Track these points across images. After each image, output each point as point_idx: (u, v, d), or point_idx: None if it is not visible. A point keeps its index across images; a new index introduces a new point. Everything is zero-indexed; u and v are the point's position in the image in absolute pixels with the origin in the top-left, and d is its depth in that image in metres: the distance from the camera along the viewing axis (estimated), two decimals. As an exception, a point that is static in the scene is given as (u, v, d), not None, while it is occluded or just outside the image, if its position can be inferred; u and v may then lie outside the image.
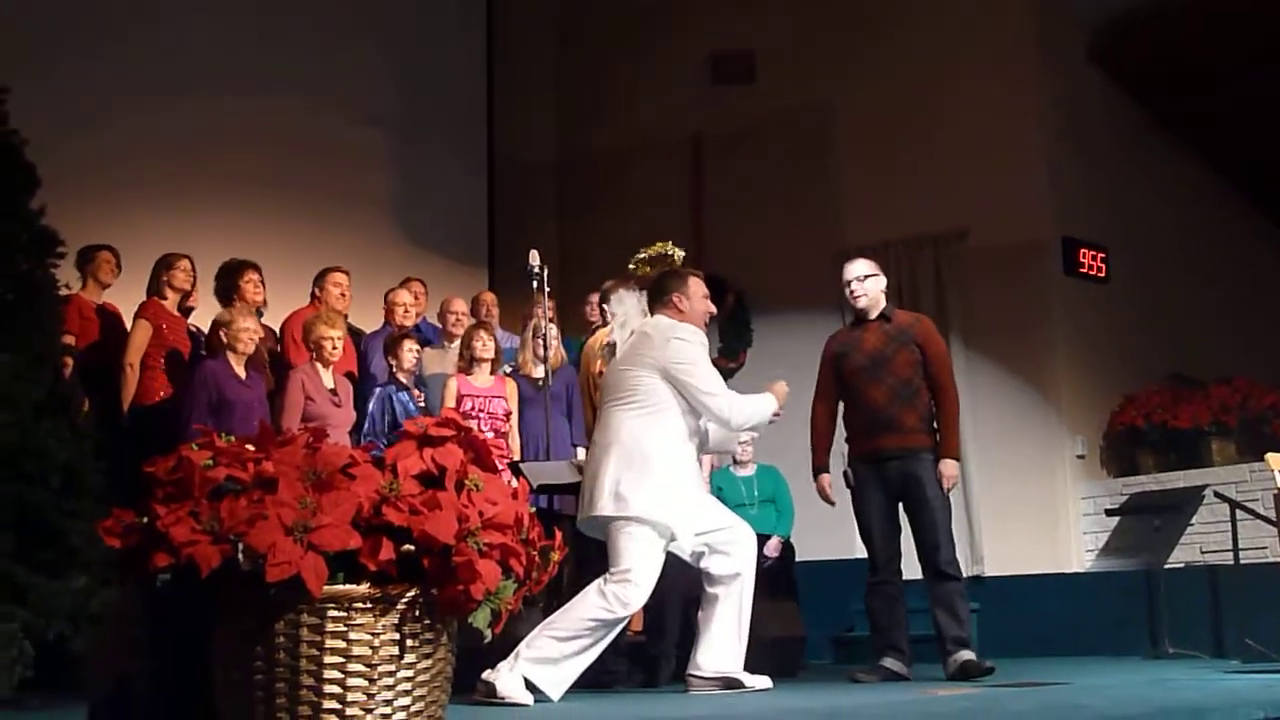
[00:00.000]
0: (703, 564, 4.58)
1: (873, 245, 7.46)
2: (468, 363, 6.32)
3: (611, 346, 4.89)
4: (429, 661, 2.60)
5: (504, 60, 10.32)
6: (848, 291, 5.50)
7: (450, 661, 2.68)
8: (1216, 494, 7.00)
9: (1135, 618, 7.18)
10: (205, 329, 6.36)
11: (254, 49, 8.40)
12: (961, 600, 5.23)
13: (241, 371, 5.86)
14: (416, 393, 6.36)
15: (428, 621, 2.58)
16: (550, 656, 4.18)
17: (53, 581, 4.22)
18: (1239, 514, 6.75)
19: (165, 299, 6.29)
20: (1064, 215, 8.30)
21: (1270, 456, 5.61)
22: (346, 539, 2.48)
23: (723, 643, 4.56)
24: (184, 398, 5.82)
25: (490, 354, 6.34)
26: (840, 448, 5.54)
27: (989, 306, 8.22)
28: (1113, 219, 8.52)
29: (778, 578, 6.69)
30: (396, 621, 2.54)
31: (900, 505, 5.35)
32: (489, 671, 4.11)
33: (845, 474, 5.44)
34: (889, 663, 5.26)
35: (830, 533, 7.45)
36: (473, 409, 6.18)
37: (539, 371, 6.32)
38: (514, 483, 4.82)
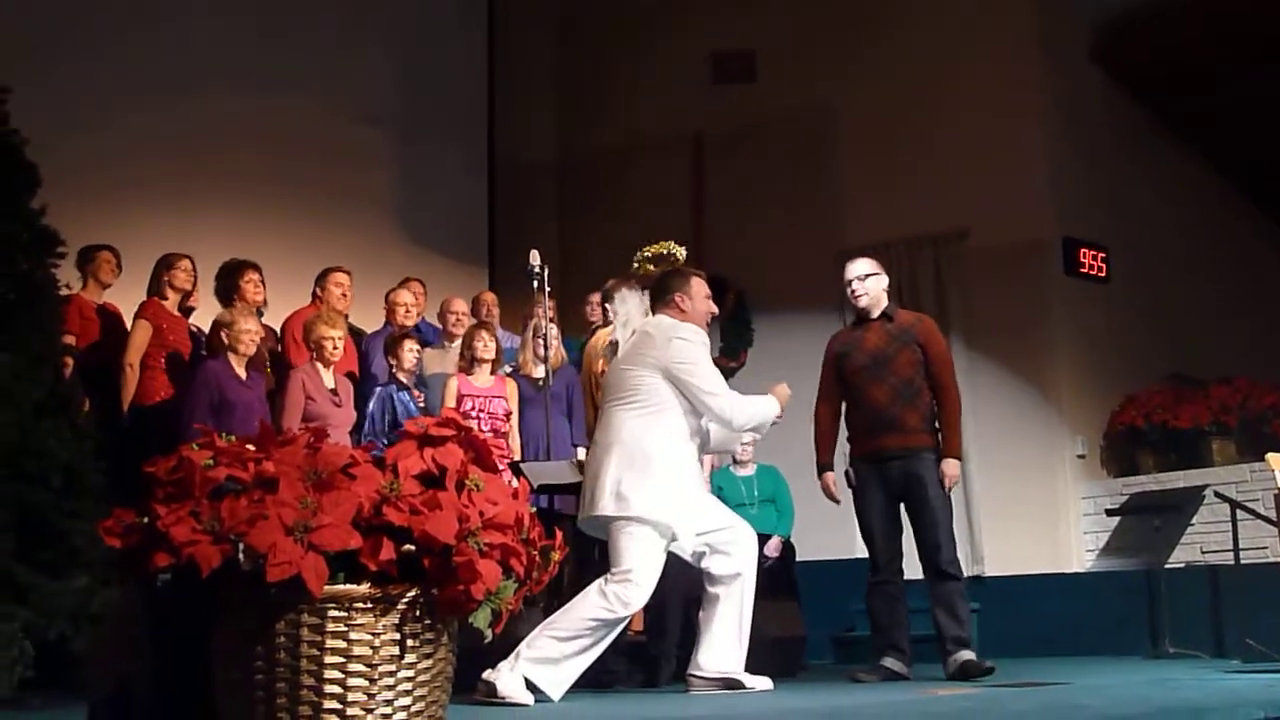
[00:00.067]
0: (703, 564, 4.58)
1: (873, 245, 7.45)
2: (468, 363, 6.32)
3: (614, 345, 4.90)
4: (429, 661, 2.60)
5: (504, 60, 10.32)
6: (849, 291, 5.49)
7: (451, 661, 2.68)
8: (1217, 494, 7.00)
9: (1136, 618, 7.17)
10: (206, 329, 6.36)
11: (254, 49, 8.40)
12: (962, 600, 5.23)
13: (242, 372, 5.86)
14: (417, 393, 6.36)
15: (428, 621, 2.58)
16: (551, 656, 4.18)
17: (53, 581, 4.23)
18: (1239, 514, 6.75)
19: (166, 299, 6.29)
20: (1064, 215, 8.30)
21: (1270, 456, 5.61)
22: (347, 539, 2.48)
23: (723, 643, 4.56)
24: (185, 398, 5.81)
25: (491, 354, 6.33)
26: (842, 447, 5.53)
27: (989, 306, 8.22)
28: (1113, 219, 8.52)
29: (778, 578, 6.69)
30: (397, 621, 2.54)
31: (902, 505, 5.35)
32: (489, 671, 4.11)
33: (846, 473, 5.44)
34: (889, 662, 5.26)
35: (830, 533, 7.46)
36: (473, 409, 6.18)
37: (539, 371, 6.32)
38: (514, 483, 4.82)
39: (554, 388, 6.26)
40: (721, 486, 7.01)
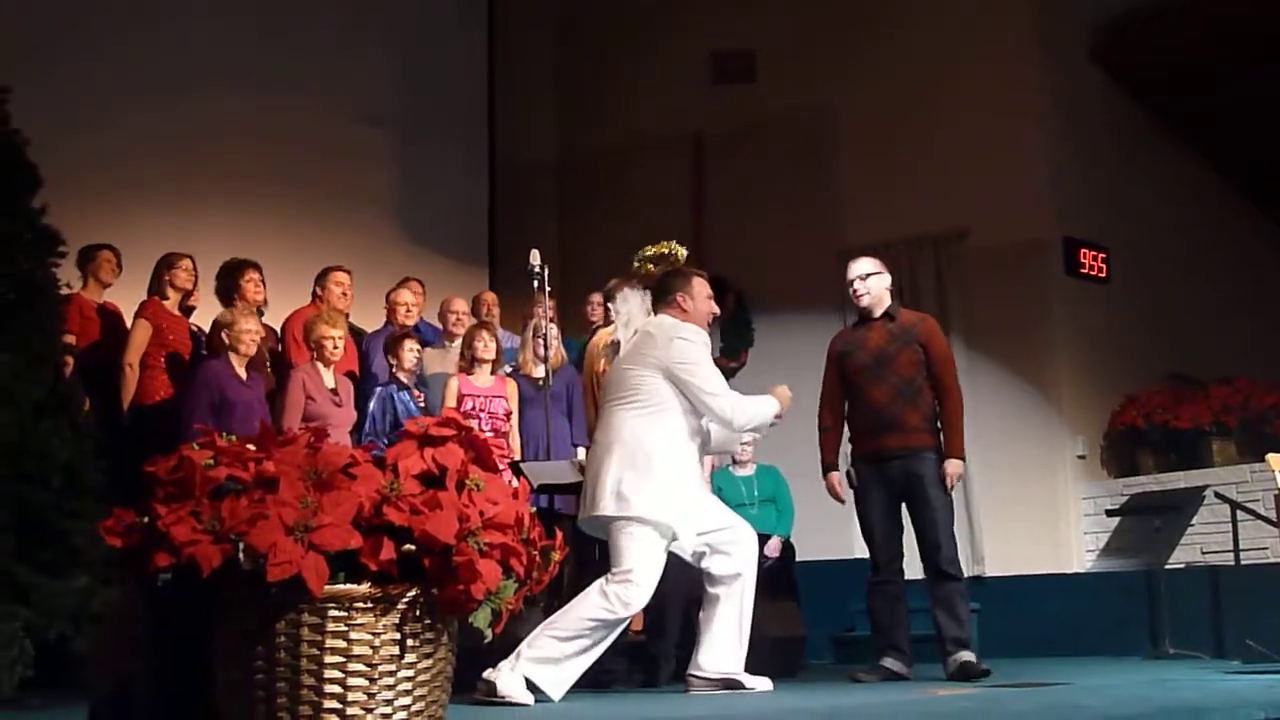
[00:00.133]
0: (704, 564, 4.58)
1: (873, 245, 7.44)
2: (468, 362, 6.32)
3: (615, 345, 4.90)
4: (429, 661, 2.60)
5: (504, 60, 10.32)
6: (851, 290, 5.49)
7: (451, 661, 2.69)
8: (1217, 494, 6.99)
9: (1136, 618, 7.17)
10: (206, 328, 6.36)
11: (254, 49, 8.40)
12: (962, 600, 5.22)
13: (243, 372, 5.86)
14: (417, 393, 6.36)
15: (428, 621, 2.58)
16: (552, 656, 4.18)
17: (54, 581, 4.22)
18: (1239, 514, 6.75)
19: (166, 298, 6.29)
20: (1065, 215, 8.30)
21: (1271, 457, 5.60)
22: (347, 539, 2.48)
23: (723, 643, 4.56)
24: (185, 397, 5.81)
25: (491, 354, 6.34)
26: (845, 447, 5.53)
27: (990, 306, 8.22)
28: (1114, 219, 8.52)
29: (778, 578, 6.69)
30: (397, 621, 2.54)
31: (903, 505, 5.35)
32: (490, 671, 4.11)
33: (848, 473, 5.44)
34: (889, 663, 5.26)
35: (830, 533, 7.46)
36: (473, 409, 6.18)
37: (539, 371, 6.32)
38: (515, 482, 4.82)
39: (554, 387, 6.26)
40: (721, 486, 7.00)
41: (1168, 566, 7.24)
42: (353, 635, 2.51)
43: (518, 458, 6.18)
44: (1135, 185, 8.75)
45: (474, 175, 10.01)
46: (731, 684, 4.53)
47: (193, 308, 6.59)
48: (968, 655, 5.13)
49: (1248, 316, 9.17)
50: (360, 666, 2.51)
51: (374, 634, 2.52)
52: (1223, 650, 6.67)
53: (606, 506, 4.37)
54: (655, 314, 4.76)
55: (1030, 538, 7.92)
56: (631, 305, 4.99)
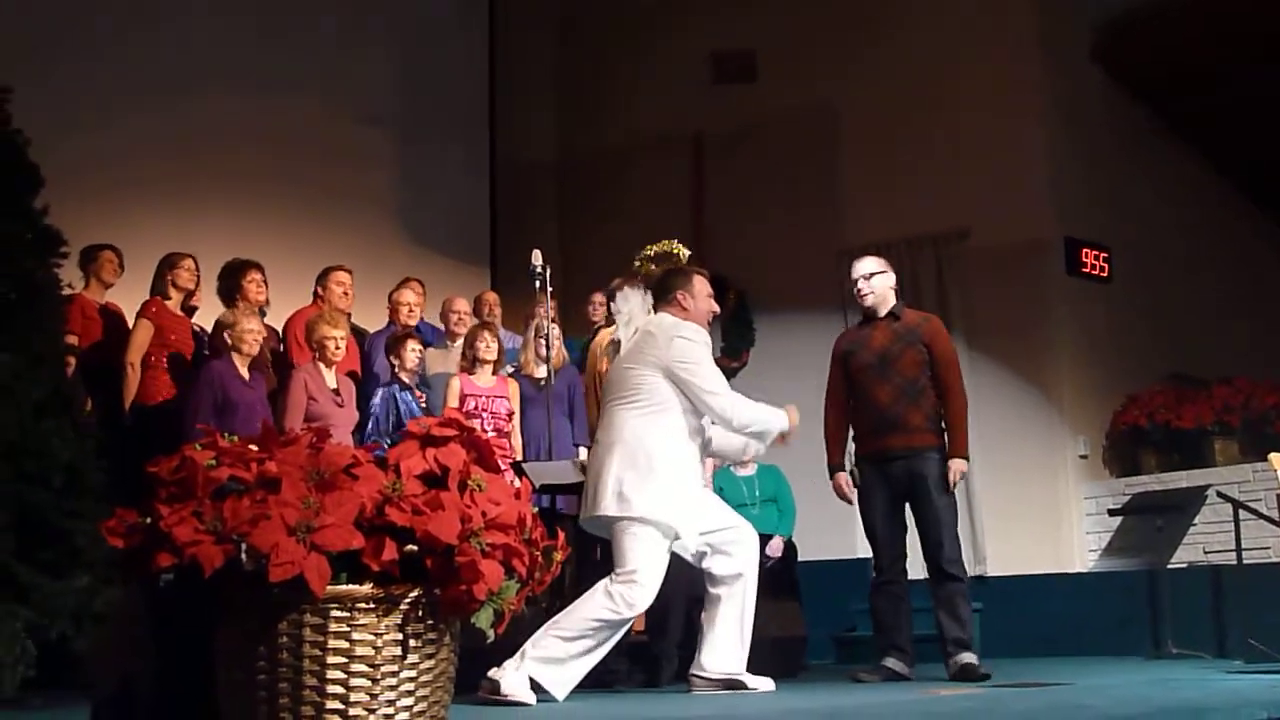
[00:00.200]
0: (705, 564, 4.58)
1: (874, 245, 7.42)
2: (470, 362, 6.32)
3: (616, 344, 4.88)
4: (432, 662, 2.60)
5: (505, 60, 10.32)
6: (855, 290, 5.48)
7: (453, 661, 2.68)
8: (1219, 494, 6.99)
9: (1138, 618, 7.17)
10: (208, 328, 6.36)
11: (254, 49, 8.40)
12: (964, 601, 5.21)
13: (245, 372, 5.86)
14: (419, 393, 6.36)
15: (431, 622, 2.58)
16: (556, 656, 4.17)
17: (55, 581, 4.22)
18: (1242, 514, 6.75)
19: (169, 298, 6.29)
20: (1066, 215, 8.30)
21: (1273, 456, 5.60)
22: (349, 539, 2.48)
23: (725, 643, 4.56)
24: (188, 398, 5.81)
25: (493, 354, 6.33)
26: (850, 447, 5.52)
27: (991, 306, 8.22)
28: (1115, 218, 8.52)
29: (779, 578, 6.68)
30: (399, 622, 2.54)
31: (906, 505, 5.34)
32: (495, 670, 4.11)
33: (851, 473, 5.43)
34: (891, 663, 5.25)
35: (832, 533, 7.46)
36: (475, 409, 6.18)
37: (541, 371, 6.32)
38: (517, 483, 4.82)
39: (555, 388, 6.26)
40: (723, 486, 6.99)
41: (1170, 566, 7.23)
42: (355, 636, 2.50)
43: (519, 458, 6.18)
44: (1136, 185, 8.75)
45: (475, 175, 10.01)
46: (733, 684, 4.53)
47: (195, 308, 6.59)
48: (969, 657, 5.12)
49: (1249, 316, 9.17)
50: (363, 667, 2.51)
51: (376, 634, 2.52)
52: (1225, 650, 6.67)
53: (608, 507, 4.36)
54: (656, 312, 4.76)
55: (1032, 537, 7.92)
56: (632, 304, 4.97)
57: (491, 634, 2.64)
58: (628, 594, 4.24)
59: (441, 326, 7.17)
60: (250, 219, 8.03)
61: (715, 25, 9.51)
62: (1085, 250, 8.29)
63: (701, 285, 4.75)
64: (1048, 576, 7.77)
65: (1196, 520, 7.30)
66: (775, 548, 6.87)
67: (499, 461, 2.81)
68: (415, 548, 2.53)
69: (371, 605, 2.51)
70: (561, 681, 4.18)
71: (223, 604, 2.54)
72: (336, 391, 6.06)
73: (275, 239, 7.82)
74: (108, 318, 6.27)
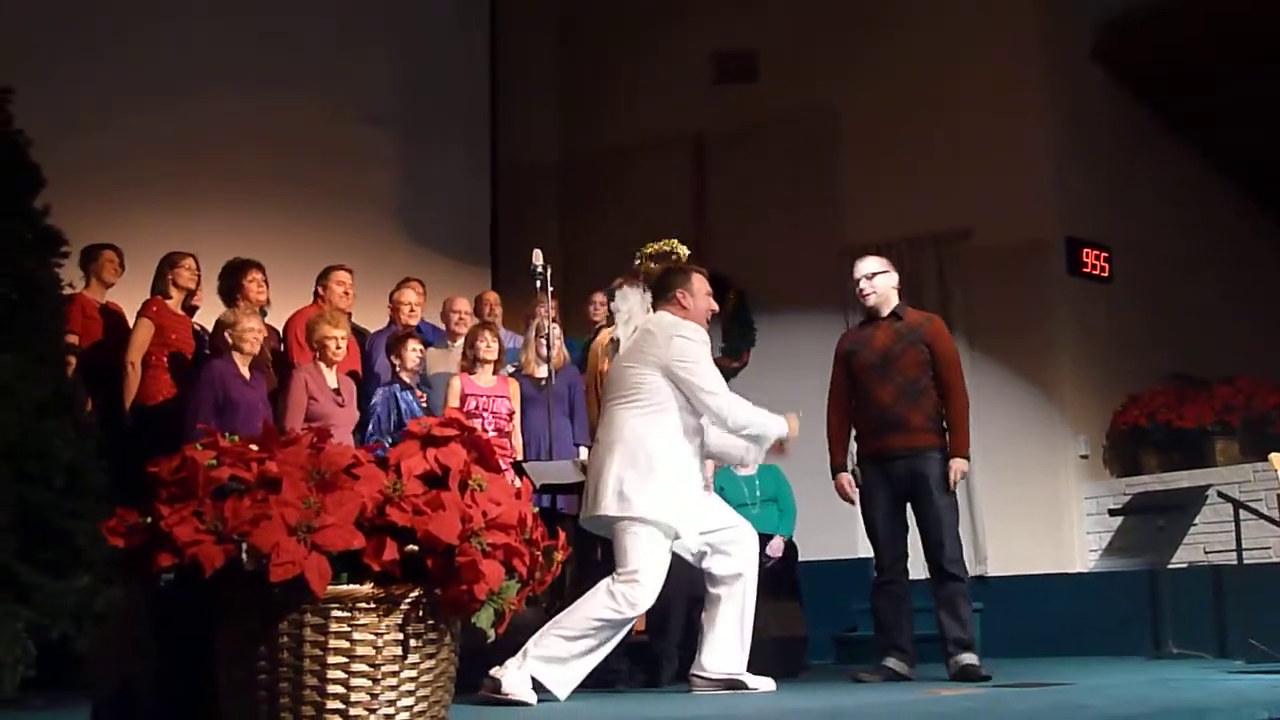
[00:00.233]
0: (704, 564, 4.58)
1: (875, 245, 7.42)
2: (471, 362, 6.32)
3: (615, 343, 4.89)
4: (432, 662, 2.60)
5: (506, 60, 10.32)
6: (857, 289, 5.47)
7: (453, 661, 2.68)
8: (1220, 494, 6.99)
9: (1139, 618, 7.17)
10: (209, 328, 6.36)
11: (254, 49, 8.40)
12: (965, 601, 5.21)
13: (246, 372, 5.86)
14: (420, 393, 6.36)
15: (431, 622, 2.58)
16: (558, 656, 4.17)
17: (56, 581, 4.23)
18: (1242, 514, 6.74)
19: (170, 298, 6.29)
20: (1067, 215, 8.29)
21: (1274, 456, 5.60)
22: (350, 539, 2.48)
23: (725, 643, 4.56)
24: (189, 397, 5.81)
25: (494, 354, 6.34)
26: (851, 446, 5.52)
27: (992, 306, 8.22)
28: (1116, 218, 8.51)
29: (780, 578, 6.68)
30: (400, 622, 2.54)
31: (908, 505, 5.34)
32: (496, 669, 4.11)
33: (853, 473, 5.43)
34: (892, 663, 5.25)
35: (833, 533, 7.46)
36: (476, 408, 6.18)
37: (542, 371, 6.33)
38: (517, 482, 4.82)
39: (556, 387, 6.26)
40: (723, 486, 6.99)
41: (1170, 566, 7.23)
42: (356, 636, 2.50)
43: (520, 458, 6.18)
44: (1137, 185, 8.74)
45: (475, 175, 10.00)
46: (734, 684, 4.53)
47: (196, 307, 6.59)
48: (970, 658, 5.11)
49: (1250, 316, 9.16)
50: (363, 667, 2.51)
51: (377, 634, 2.52)
52: (1226, 650, 6.66)
53: (608, 506, 4.36)
54: (655, 311, 4.75)
55: (1033, 537, 7.92)
56: (631, 303, 4.98)
57: (492, 634, 2.64)
58: (630, 593, 4.24)
59: (442, 326, 7.17)
60: (250, 219, 8.02)
61: (715, 25, 9.51)
62: (1086, 250, 8.29)
63: (700, 284, 4.75)
64: (1048, 576, 7.76)
65: (1197, 520, 7.29)
66: (776, 547, 6.86)
67: (500, 461, 2.80)
68: (416, 548, 2.53)
69: (372, 605, 2.51)
70: (563, 681, 4.19)
71: (223, 604, 2.53)
72: (337, 391, 6.06)
73: (276, 239, 7.82)
74: (108, 317, 6.28)
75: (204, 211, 7.75)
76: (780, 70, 9.24)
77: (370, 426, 6.10)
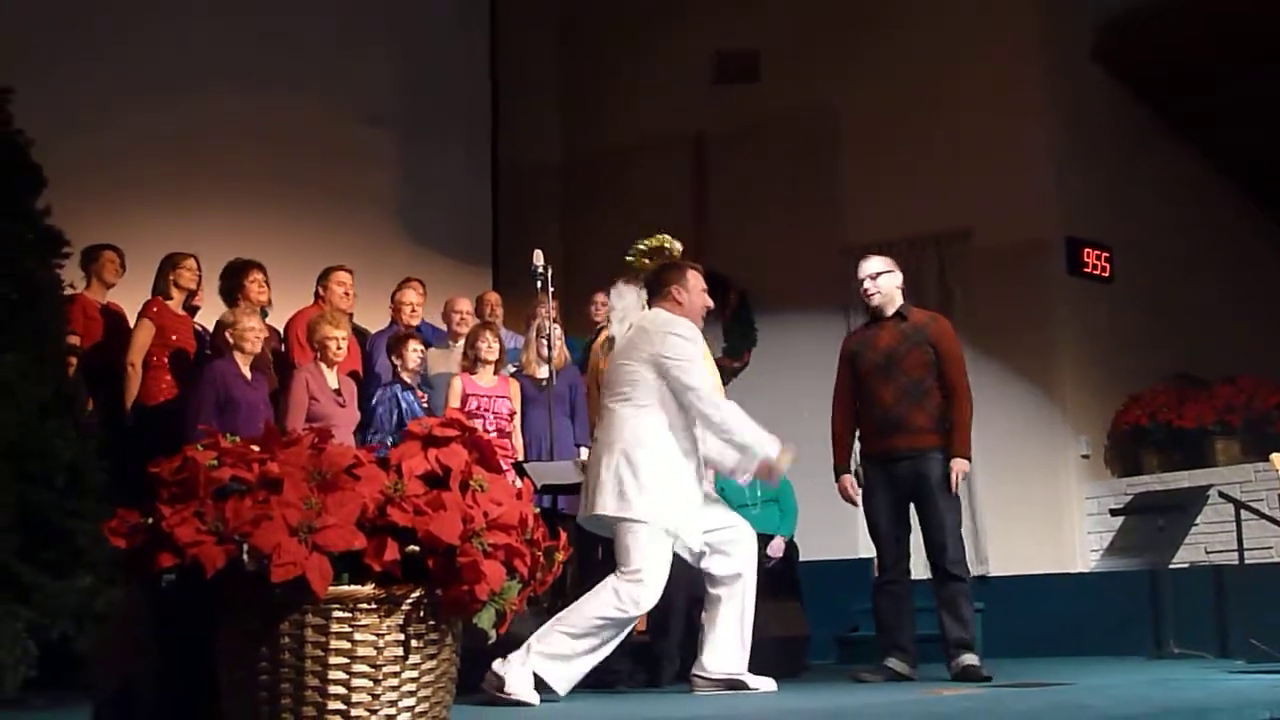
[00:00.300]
0: (703, 564, 4.56)
1: (876, 245, 7.43)
2: (472, 362, 6.33)
3: (610, 341, 4.86)
4: (434, 662, 2.60)
5: (507, 60, 10.32)
6: (861, 289, 5.46)
7: (454, 662, 2.68)
8: (1221, 494, 6.98)
9: (1140, 618, 7.16)
10: (210, 329, 6.36)
11: (254, 49, 8.40)
12: (966, 602, 5.20)
13: (248, 372, 5.86)
14: (421, 393, 6.36)
15: (432, 622, 2.58)
16: (561, 653, 4.17)
17: (57, 581, 4.22)
18: (1243, 514, 6.74)
19: (170, 298, 6.29)
20: (1068, 215, 8.29)
21: (1275, 456, 5.60)
22: (351, 539, 2.48)
23: (726, 644, 4.55)
24: (190, 397, 5.81)
25: (494, 355, 6.34)
26: (855, 446, 5.51)
27: (993, 306, 8.21)
28: (1117, 218, 8.51)
29: (781, 578, 6.68)
30: (401, 622, 2.54)
31: (911, 505, 5.33)
32: (499, 663, 4.09)
33: (856, 473, 5.42)
34: (893, 663, 5.25)
35: (834, 533, 7.46)
36: (478, 408, 6.18)
37: (543, 371, 6.32)
38: (518, 483, 4.82)
39: (557, 388, 6.26)
40: (724, 486, 6.98)
41: (1172, 566, 7.23)
42: (357, 636, 2.50)
43: (521, 458, 6.17)
44: (1137, 185, 8.74)
45: (476, 175, 10.00)
46: (735, 684, 4.53)
47: (197, 307, 6.59)
48: (971, 658, 5.11)
49: (1251, 316, 9.15)
50: (364, 667, 2.51)
51: (378, 635, 2.51)
52: (1227, 650, 6.66)
53: (606, 506, 4.36)
54: (650, 307, 4.73)
55: (1034, 537, 7.91)
56: (627, 300, 4.93)
57: (493, 634, 2.64)
58: (634, 593, 4.24)
59: (444, 327, 7.17)
60: (251, 219, 8.02)
61: (716, 25, 9.51)
62: (1087, 250, 8.29)
63: (696, 280, 4.72)
64: (1049, 576, 7.76)
65: (1198, 520, 7.29)
66: (776, 548, 6.86)
67: (500, 462, 2.80)
68: (417, 548, 2.53)
69: (373, 606, 2.51)
70: (565, 678, 4.18)
71: (224, 604, 2.53)
72: (338, 391, 6.06)
73: (276, 239, 7.82)
74: (109, 318, 6.28)
75: (204, 212, 7.74)
76: (781, 70, 9.24)
77: (374, 426, 6.10)
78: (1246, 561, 6.71)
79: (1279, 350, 8.63)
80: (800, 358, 8.42)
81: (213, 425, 4.67)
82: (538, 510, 2.83)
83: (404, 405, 6.15)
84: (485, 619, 2.61)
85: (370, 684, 2.51)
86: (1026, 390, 8.14)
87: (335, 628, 2.49)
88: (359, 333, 6.86)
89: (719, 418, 4.48)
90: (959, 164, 8.35)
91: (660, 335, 4.51)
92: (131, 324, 6.23)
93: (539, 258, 6.10)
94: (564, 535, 2.94)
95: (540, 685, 4.12)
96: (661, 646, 5.29)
